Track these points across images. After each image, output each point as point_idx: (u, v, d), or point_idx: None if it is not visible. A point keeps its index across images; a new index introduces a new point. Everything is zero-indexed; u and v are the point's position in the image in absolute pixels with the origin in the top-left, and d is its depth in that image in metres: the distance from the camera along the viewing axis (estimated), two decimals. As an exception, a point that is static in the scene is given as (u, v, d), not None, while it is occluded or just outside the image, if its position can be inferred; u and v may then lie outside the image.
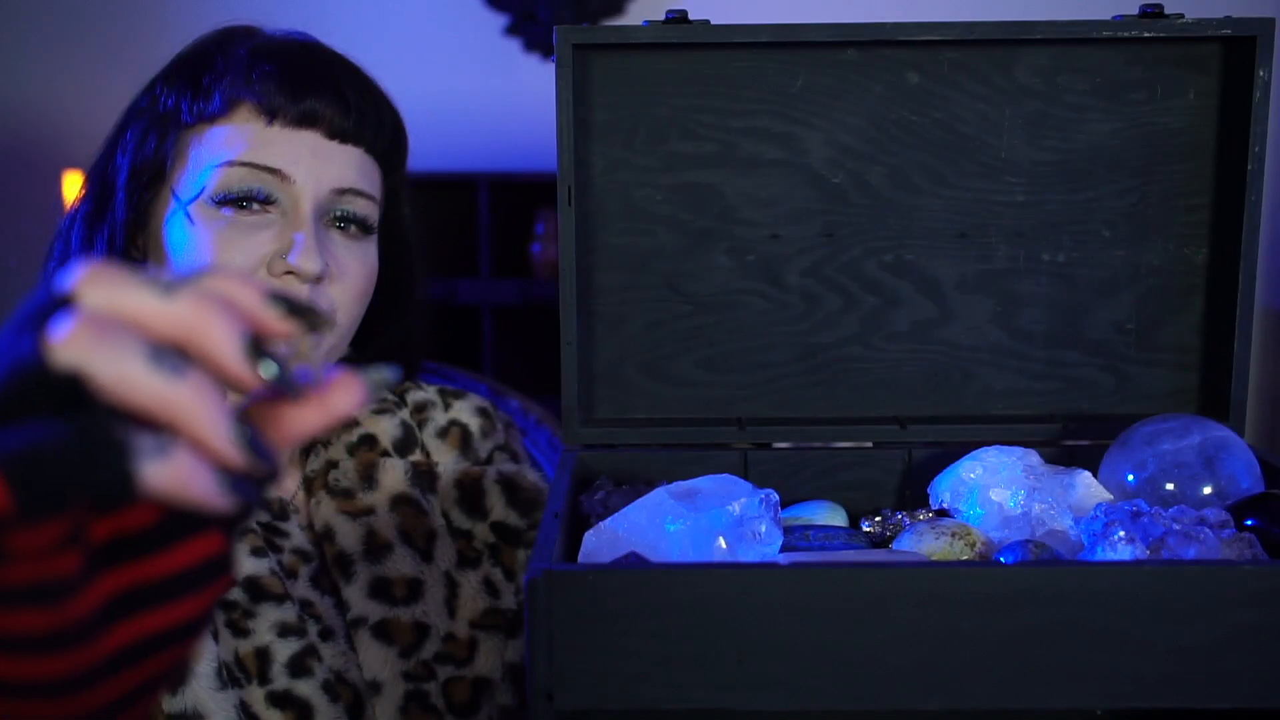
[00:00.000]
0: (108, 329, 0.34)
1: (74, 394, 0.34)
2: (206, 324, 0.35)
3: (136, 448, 0.34)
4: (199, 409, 0.34)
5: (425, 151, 1.03)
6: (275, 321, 0.38)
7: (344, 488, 0.88)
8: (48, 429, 0.33)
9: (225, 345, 0.36)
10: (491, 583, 0.90)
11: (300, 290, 0.81)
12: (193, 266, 0.82)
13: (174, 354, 0.35)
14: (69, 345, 0.34)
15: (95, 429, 0.33)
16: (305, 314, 0.38)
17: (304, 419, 0.39)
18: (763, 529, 0.67)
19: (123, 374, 0.34)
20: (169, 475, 0.34)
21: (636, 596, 0.57)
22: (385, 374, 0.39)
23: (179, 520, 0.39)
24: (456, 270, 2.54)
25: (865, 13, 2.40)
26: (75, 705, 0.39)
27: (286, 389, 0.37)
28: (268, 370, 0.36)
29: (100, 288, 0.35)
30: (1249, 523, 0.69)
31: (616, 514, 0.69)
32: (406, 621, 0.85)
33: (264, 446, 0.36)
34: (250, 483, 0.36)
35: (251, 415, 0.39)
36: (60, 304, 0.35)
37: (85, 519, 0.37)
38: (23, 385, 0.34)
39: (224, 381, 0.36)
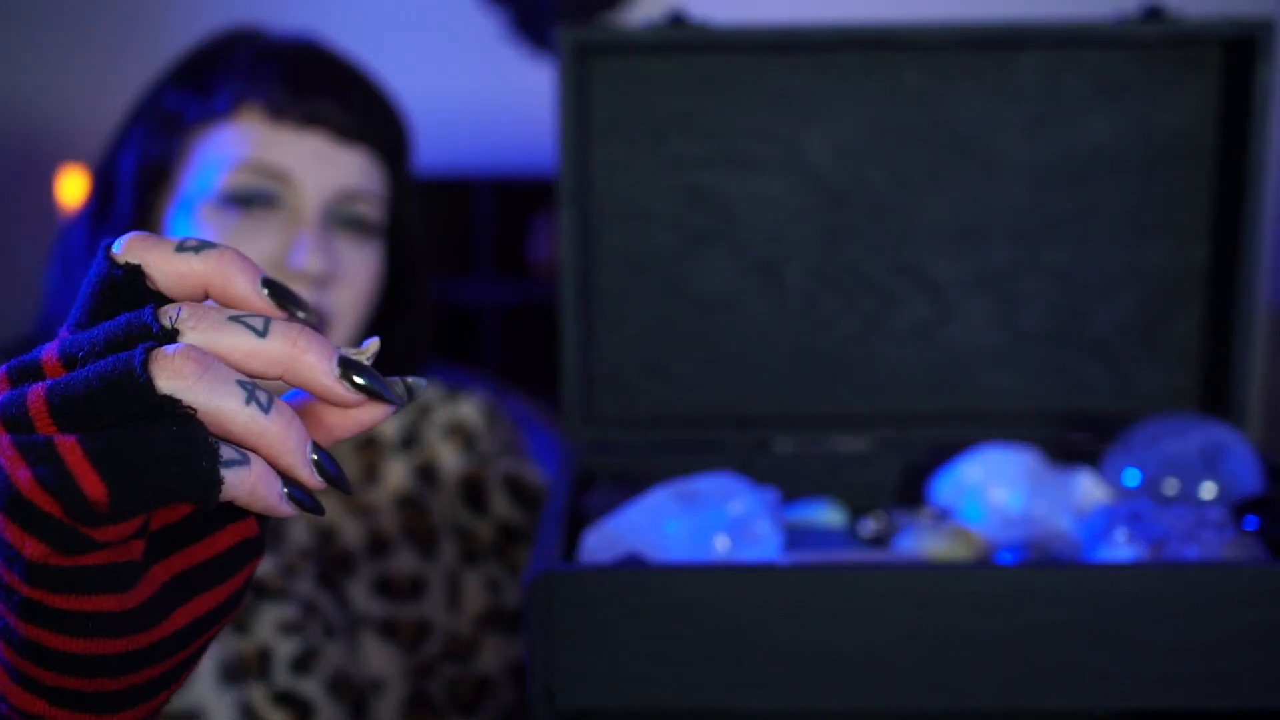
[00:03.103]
0: (210, 362, 0.38)
1: (164, 408, 0.37)
2: (302, 356, 0.39)
3: (223, 455, 0.37)
4: (287, 442, 0.38)
5: (425, 151, 1.03)
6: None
7: (346, 486, 0.88)
8: (144, 433, 0.36)
9: (322, 373, 0.39)
10: (494, 581, 0.90)
11: (304, 292, 0.81)
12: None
13: (265, 391, 0.39)
14: (173, 377, 0.37)
15: (188, 436, 0.37)
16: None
17: (342, 424, 0.42)
18: (763, 529, 0.67)
19: (221, 406, 0.37)
20: (248, 483, 0.38)
21: (636, 596, 0.57)
22: (413, 384, 0.42)
23: (217, 510, 0.42)
24: (456, 270, 2.55)
25: (865, 13, 2.40)
26: (136, 679, 0.41)
27: (385, 400, 0.41)
28: (387, 396, 0.41)
29: (203, 328, 0.39)
30: (1250, 523, 0.69)
31: (616, 514, 0.69)
32: (409, 620, 0.85)
33: (340, 473, 0.40)
34: (310, 493, 0.40)
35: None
36: (165, 337, 0.38)
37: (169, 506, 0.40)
38: (123, 398, 0.37)
39: (325, 400, 0.41)
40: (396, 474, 0.90)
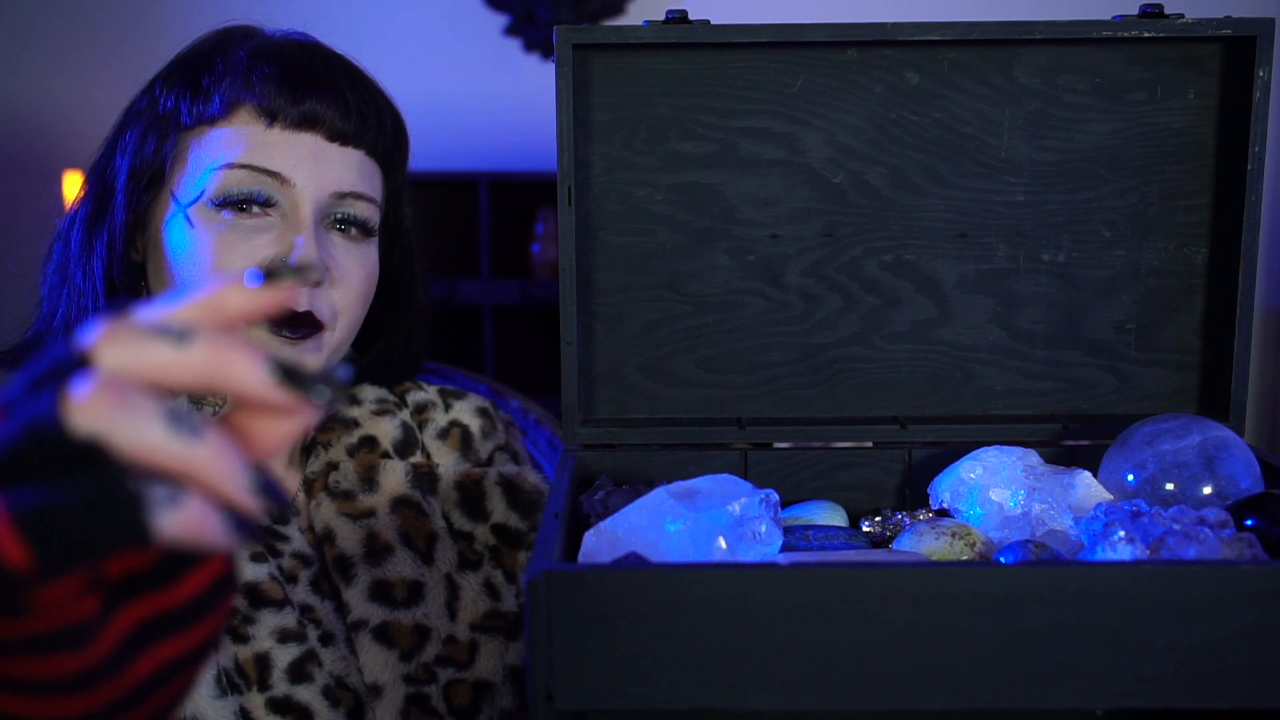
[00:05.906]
0: (126, 394, 0.35)
1: (89, 451, 0.34)
2: (228, 365, 0.36)
3: (151, 499, 0.34)
4: (218, 466, 0.35)
5: (425, 151, 1.03)
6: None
7: (344, 490, 0.88)
8: (64, 486, 0.34)
9: (253, 378, 0.36)
10: (492, 585, 0.90)
11: (299, 295, 0.81)
12: (192, 279, 0.82)
13: (191, 415, 0.35)
14: (88, 412, 0.34)
15: (111, 485, 0.34)
16: (301, 376, 0.38)
17: (274, 434, 0.39)
18: (763, 529, 0.67)
19: (143, 441, 0.35)
20: (182, 523, 0.35)
21: (636, 596, 0.57)
22: (336, 376, 0.39)
23: (184, 553, 0.40)
24: (456, 270, 2.54)
25: (865, 13, 2.40)
26: None
27: (333, 403, 0.38)
28: (321, 395, 0.37)
29: (117, 346, 0.36)
30: (1249, 523, 0.69)
31: (616, 514, 0.69)
32: (407, 624, 0.85)
33: (276, 489, 0.37)
34: (253, 521, 0.37)
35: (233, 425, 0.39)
36: (78, 363, 0.35)
37: (101, 560, 0.38)
38: (40, 445, 0.35)
39: (261, 409, 0.37)
40: (393, 478, 0.90)
